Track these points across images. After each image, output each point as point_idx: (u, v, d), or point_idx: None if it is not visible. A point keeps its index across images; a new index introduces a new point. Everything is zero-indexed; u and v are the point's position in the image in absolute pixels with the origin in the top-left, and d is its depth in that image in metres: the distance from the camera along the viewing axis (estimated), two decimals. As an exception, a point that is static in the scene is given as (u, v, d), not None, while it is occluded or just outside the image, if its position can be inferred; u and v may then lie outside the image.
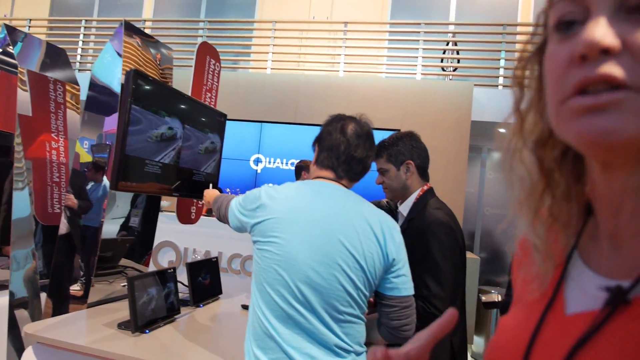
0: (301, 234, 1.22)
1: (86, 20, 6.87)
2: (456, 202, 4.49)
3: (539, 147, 0.44)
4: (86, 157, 2.06)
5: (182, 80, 3.17)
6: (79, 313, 1.89)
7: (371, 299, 1.57)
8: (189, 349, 1.61)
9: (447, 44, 5.74)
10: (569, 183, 0.45)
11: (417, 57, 5.54)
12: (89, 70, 6.31)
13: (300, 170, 3.27)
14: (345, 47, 5.79)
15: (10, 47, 2.29)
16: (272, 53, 5.98)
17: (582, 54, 0.35)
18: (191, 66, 2.57)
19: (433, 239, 1.58)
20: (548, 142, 0.44)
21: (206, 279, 2.30)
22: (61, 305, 2.01)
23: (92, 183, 2.05)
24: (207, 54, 2.63)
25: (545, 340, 0.42)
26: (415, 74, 5.51)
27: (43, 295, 2.19)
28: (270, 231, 1.25)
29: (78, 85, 2.63)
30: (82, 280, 2.01)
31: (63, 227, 2.04)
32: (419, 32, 5.58)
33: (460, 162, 4.78)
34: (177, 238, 3.90)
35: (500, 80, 5.33)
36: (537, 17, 0.44)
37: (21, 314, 2.19)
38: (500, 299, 3.74)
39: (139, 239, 2.37)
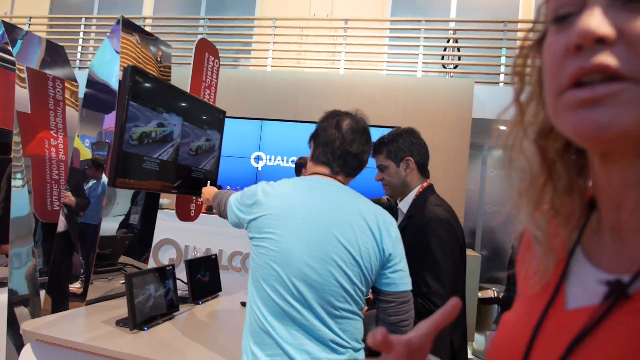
0: (296, 229, 1.22)
1: (86, 18, 6.87)
2: (457, 199, 4.48)
3: (541, 138, 0.44)
4: (86, 155, 2.06)
5: (183, 77, 3.17)
6: (78, 310, 1.89)
7: (371, 296, 1.56)
8: (187, 346, 1.61)
9: (448, 41, 5.71)
10: (571, 176, 0.45)
11: (417, 54, 5.52)
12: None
13: (300, 167, 3.27)
14: (346, 44, 5.78)
15: (8, 43, 2.28)
16: (273, 50, 5.97)
17: (577, 43, 0.35)
18: (191, 64, 2.56)
19: (433, 236, 1.58)
20: (550, 133, 0.44)
21: (205, 276, 2.29)
22: (60, 302, 2.01)
23: (93, 181, 2.05)
24: (205, 50, 2.62)
25: (545, 336, 0.42)
26: (416, 71, 5.49)
27: (43, 293, 2.19)
28: (265, 227, 1.25)
29: (77, 82, 2.62)
30: (82, 277, 2.01)
31: (61, 225, 2.04)
32: (419, 29, 5.57)
33: (461, 160, 4.77)
34: (178, 236, 3.89)
35: (501, 77, 5.31)
36: (537, 8, 0.44)
37: (21, 311, 2.19)
38: (496, 294, 3.73)
39: (139, 236, 2.37)
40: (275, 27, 6.00)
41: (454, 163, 4.75)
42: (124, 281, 2.13)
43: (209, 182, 2.25)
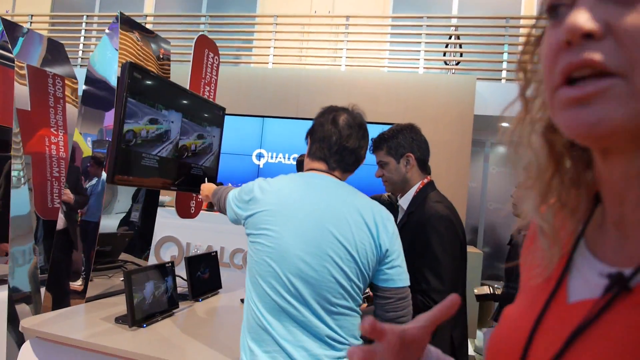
0: (292, 226, 1.21)
1: (87, 16, 6.88)
2: (459, 196, 4.47)
3: (549, 131, 0.44)
4: (87, 152, 2.05)
5: (184, 74, 3.16)
6: (77, 307, 1.89)
7: (371, 294, 1.55)
8: (186, 343, 1.61)
9: (450, 38, 5.69)
10: (579, 169, 0.45)
11: (419, 50, 5.50)
12: (91, 66, 6.31)
13: (302, 165, 3.26)
14: (347, 41, 5.76)
15: (7, 41, 2.28)
16: (274, 47, 5.96)
17: (567, 39, 0.35)
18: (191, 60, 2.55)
19: (433, 232, 1.57)
20: (557, 128, 0.44)
21: (205, 273, 2.29)
22: (61, 300, 2.01)
23: (95, 179, 2.04)
24: (205, 47, 2.61)
25: (546, 328, 0.42)
26: (418, 67, 5.47)
27: (43, 290, 2.19)
28: (261, 223, 1.24)
29: (76, 79, 2.61)
30: (83, 274, 2.00)
31: (60, 222, 2.03)
32: (421, 25, 5.54)
33: (463, 157, 4.75)
34: (180, 233, 3.89)
35: (503, 73, 5.29)
36: (540, 2, 0.44)
37: (23, 308, 2.19)
38: (492, 291, 3.72)
39: (139, 233, 2.36)
40: (277, 24, 5.99)
41: (456, 160, 4.73)
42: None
43: (206, 178, 2.25)
